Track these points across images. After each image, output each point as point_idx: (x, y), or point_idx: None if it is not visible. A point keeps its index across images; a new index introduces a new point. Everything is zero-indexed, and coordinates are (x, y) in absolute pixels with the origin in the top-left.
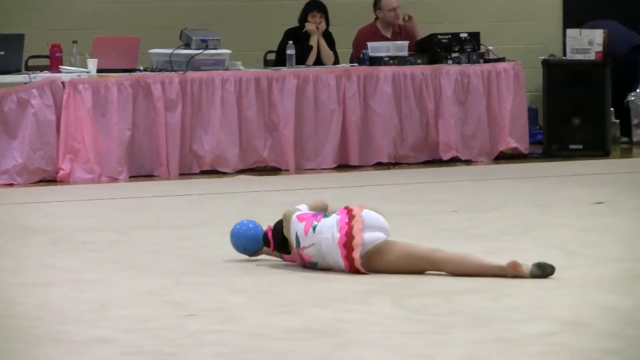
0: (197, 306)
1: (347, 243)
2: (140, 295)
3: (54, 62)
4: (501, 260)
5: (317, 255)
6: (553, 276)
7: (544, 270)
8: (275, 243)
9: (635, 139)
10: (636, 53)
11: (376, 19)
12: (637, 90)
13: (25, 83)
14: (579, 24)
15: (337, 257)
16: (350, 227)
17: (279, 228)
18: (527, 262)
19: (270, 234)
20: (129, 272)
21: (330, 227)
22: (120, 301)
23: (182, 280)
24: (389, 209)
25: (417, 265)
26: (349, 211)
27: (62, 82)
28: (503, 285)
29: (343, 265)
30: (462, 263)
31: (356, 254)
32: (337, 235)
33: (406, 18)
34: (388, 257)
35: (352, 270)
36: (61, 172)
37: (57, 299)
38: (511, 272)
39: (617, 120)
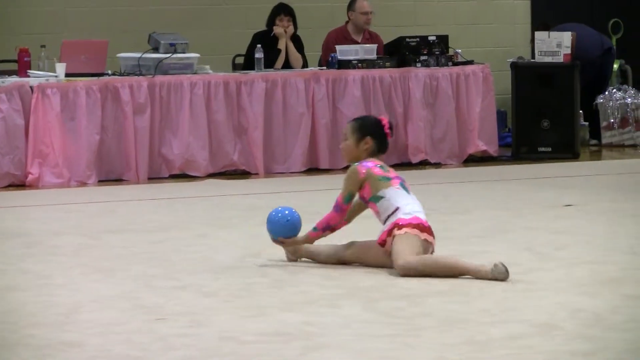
0: (166, 310)
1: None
2: (109, 299)
3: (22, 66)
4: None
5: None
6: (524, 278)
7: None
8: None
9: (604, 141)
10: (607, 56)
11: (347, 21)
12: (606, 93)
13: None
14: (546, 26)
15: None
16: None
17: None
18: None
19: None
20: (98, 276)
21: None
22: (89, 305)
23: (151, 284)
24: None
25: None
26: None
27: (31, 87)
28: (473, 288)
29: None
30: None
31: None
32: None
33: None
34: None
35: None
36: (30, 177)
37: (27, 303)
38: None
39: (586, 123)
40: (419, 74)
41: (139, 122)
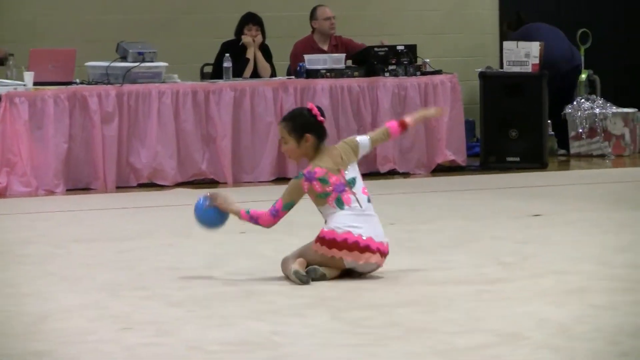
0: (133, 319)
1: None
2: (76, 308)
3: None
4: None
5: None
6: (490, 288)
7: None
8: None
9: (572, 151)
10: (575, 72)
11: (313, 31)
12: (574, 103)
13: None
14: (519, 21)
15: None
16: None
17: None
18: (463, 274)
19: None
20: (65, 285)
21: None
22: (57, 314)
23: (118, 294)
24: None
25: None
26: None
27: None
28: (439, 298)
29: None
30: None
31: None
32: None
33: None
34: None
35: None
36: None
37: None
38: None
39: (553, 133)
40: (387, 84)
41: (107, 130)
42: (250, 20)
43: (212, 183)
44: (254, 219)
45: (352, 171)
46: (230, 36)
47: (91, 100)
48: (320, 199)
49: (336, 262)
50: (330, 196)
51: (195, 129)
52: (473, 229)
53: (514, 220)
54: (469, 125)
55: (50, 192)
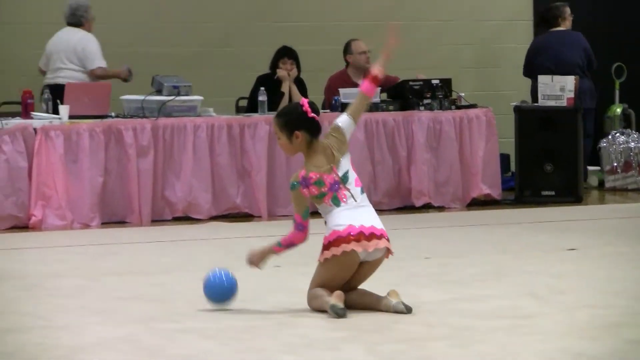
0: (166, 353)
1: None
2: (110, 342)
3: (26, 108)
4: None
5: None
6: (525, 323)
7: (407, 309)
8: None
9: (607, 185)
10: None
11: (347, 66)
12: (609, 137)
13: None
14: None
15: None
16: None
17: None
18: (498, 308)
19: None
20: (98, 319)
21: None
22: (90, 347)
23: (152, 327)
24: None
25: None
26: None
27: (34, 129)
28: (474, 332)
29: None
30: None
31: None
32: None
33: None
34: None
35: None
36: (33, 219)
37: (28, 345)
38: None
39: (598, 167)
40: (422, 118)
41: (142, 164)
42: (286, 54)
43: (246, 216)
44: (289, 246)
45: (344, 165)
46: (265, 70)
47: (126, 133)
48: (318, 200)
49: (348, 257)
50: (327, 196)
51: (230, 163)
52: (508, 263)
53: (548, 254)
54: (504, 159)
55: (86, 226)
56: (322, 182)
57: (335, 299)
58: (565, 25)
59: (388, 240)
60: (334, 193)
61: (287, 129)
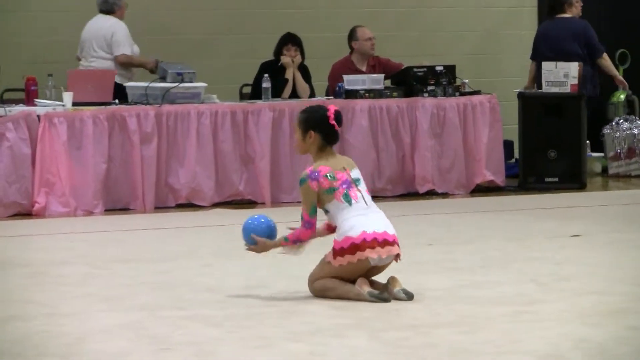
0: (172, 340)
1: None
2: (115, 329)
3: (29, 95)
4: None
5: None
6: (528, 309)
7: (407, 296)
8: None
9: (611, 171)
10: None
11: (351, 52)
12: (613, 123)
13: (1, 116)
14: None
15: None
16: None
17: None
18: (502, 294)
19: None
20: (104, 306)
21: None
22: (96, 335)
23: (157, 314)
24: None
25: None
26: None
27: (38, 116)
28: (478, 319)
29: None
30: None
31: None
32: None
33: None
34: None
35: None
36: (37, 206)
37: (34, 333)
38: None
39: (602, 154)
40: (426, 104)
41: (145, 151)
42: (290, 40)
43: (249, 203)
44: (296, 242)
45: (356, 173)
46: (269, 56)
47: (130, 120)
48: (328, 195)
49: (361, 264)
50: (338, 191)
51: (234, 150)
52: (512, 250)
53: (552, 241)
54: (508, 146)
55: (89, 213)
56: (334, 176)
57: (367, 286)
58: (572, 12)
59: (399, 245)
60: (346, 190)
61: (304, 125)
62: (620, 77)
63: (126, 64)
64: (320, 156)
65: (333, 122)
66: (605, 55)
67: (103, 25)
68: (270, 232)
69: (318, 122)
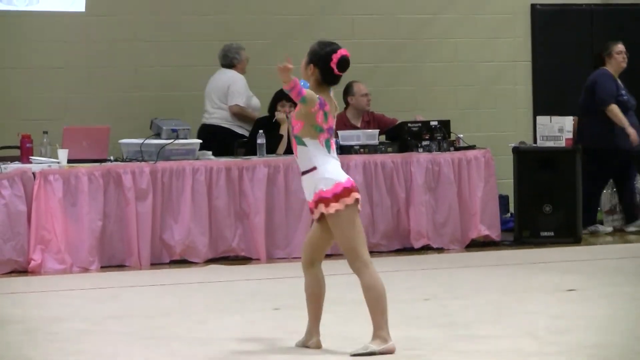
0: None
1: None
2: None
3: (25, 152)
4: None
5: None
6: None
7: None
8: None
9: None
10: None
11: (346, 108)
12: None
13: None
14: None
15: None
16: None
17: None
18: (497, 348)
19: None
20: None
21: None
22: None
23: None
24: (356, 297)
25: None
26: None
27: (33, 173)
28: None
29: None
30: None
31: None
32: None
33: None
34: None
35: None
36: (32, 263)
37: None
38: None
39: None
40: (420, 159)
41: (140, 207)
42: (283, 96)
43: (244, 259)
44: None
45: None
46: (264, 113)
47: (125, 177)
48: (314, 132)
49: (355, 206)
50: (323, 134)
51: (228, 206)
52: (507, 304)
53: (548, 295)
54: (503, 200)
55: (85, 269)
56: (327, 118)
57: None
58: (611, 64)
59: None
60: (328, 138)
61: (309, 56)
62: (630, 129)
63: (238, 115)
64: (317, 91)
65: (333, 65)
66: (612, 107)
67: (222, 78)
68: None
69: (320, 59)
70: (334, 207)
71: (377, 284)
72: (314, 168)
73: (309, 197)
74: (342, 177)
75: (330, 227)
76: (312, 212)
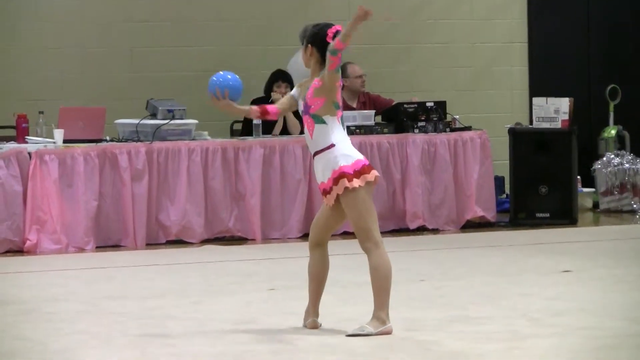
0: None
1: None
2: None
3: (20, 132)
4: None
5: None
6: (519, 345)
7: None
8: None
9: (602, 207)
10: None
11: (342, 88)
12: (604, 159)
13: None
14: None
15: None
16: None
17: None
18: (493, 330)
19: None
20: (95, 343)
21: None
22: None
23: (148, 351)
24: (356, 278)
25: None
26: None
27: (29, 153)
28: (470, 355)
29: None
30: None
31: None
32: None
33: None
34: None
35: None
36: (28, 243)
37: None
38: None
39: (593, 189)
40: (416, 140)
41: (136, 188)
42: (280, 77)
43: (239, 240)
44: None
45: None
46: (260, 93)
47: (121, 157)
48: (334, 109)
49: (371, 186)
50: (339, 111)
51: (224, 187)
52: (503, 286)
53: (543, 277)
54: (499, 182)
55: (81, 250)
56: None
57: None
58: None
59: None
60: (342, 116)
61: (307, 39)
62: None
63: None
64: (318, 73)
65: (330, 40)
66: None
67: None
68: (239, 96)
69: (316, 39)
70: (356, 182)
71: (385, 264)
72: (332, 145)
73: (323, 177)
74: (360, 155)
75: (344, 206)
76: (326, 193)
